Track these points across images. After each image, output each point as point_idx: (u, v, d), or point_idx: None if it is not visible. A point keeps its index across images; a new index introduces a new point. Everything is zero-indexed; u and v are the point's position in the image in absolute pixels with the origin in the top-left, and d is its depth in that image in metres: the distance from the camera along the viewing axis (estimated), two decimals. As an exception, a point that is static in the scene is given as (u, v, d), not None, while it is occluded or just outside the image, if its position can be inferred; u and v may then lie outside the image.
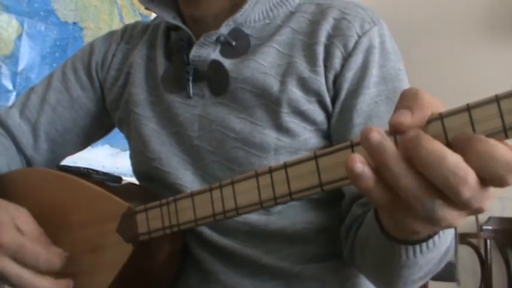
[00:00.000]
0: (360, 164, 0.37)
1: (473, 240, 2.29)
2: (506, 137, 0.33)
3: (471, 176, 0.34)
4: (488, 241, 2.36)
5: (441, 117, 0.36)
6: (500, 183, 0.34)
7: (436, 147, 0.34)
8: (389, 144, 0.36)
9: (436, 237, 0.47)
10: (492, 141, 0.33)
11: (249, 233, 0.69)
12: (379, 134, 0.36)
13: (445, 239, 0.48)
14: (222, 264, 0.69)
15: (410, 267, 0.51)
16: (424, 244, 0.47)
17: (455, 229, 0.47)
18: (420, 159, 0.35)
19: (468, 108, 0.34)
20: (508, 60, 2.55)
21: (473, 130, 0.34)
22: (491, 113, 0.34)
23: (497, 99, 0.33)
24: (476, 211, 0.37)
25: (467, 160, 0.34)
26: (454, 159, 0.34)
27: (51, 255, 0.63)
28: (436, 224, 0.38)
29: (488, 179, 0.34)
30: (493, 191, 0.36)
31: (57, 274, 0.64)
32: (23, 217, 0.65)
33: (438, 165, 0.34)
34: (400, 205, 0.37)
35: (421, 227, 0.39)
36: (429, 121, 0.36)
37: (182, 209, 0.54)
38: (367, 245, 0.59)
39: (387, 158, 0.36)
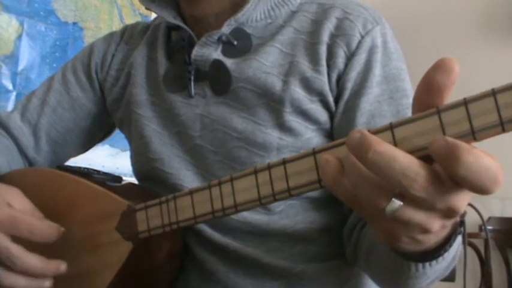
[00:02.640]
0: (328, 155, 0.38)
1: (474, 240, 2.28)
2: (504, 130, 0.33)
3: (419, 182, 0.35)
4: (488, 241, 2.36)
5: (438, 111, 0.36)
6: (483, 193, 0.34)
7: (386, 148, 0.35)
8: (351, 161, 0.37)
9: (446, 253, 0.47)
10: (479, 153, 0.33)
11: (250, 232, 0.69)
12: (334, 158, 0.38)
13: (452, 250, 0.48)
14: (223, 264, 0.69)
15: (418, 278, 0.52)
16: (434, 260, 0.47)
17: (464, 231, 0.47)
18: (369, 162, 0.35)
19: (465, 102, 0.34)
20: (508, 60, 2.55)
21: (470, 124, 0.34)
22: (489, 107, 0.33)
23: (493, 93, 0.33)
24: (449, 212, 0.37)
25: (453, 170, 0.33)
26: (405, 160, 0.35)
27: (45, 226, 0.62)
28: (411, 228, 0.38)
29: (471, 189, 0.34)
30: (466, 193, 0.36)
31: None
32: (14, 195, 0.65)
33: (388, 167, 0.35)
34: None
35: (397, 230, 0.39)
36: (427, 115, 0.36)
37: (181, 207, 0.54)
38: (372, 253, 0.59)
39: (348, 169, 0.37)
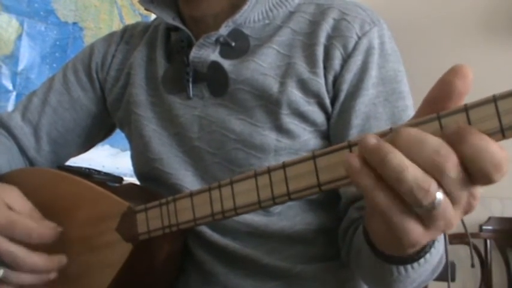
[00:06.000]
0: (357, 159, 0.37)
1: (474, 240, 2.29)
2: (504, 137, 0.33)
3: (452, 160, 0.35)
4: (488, 241, 2.36)
5: (438, 117, 0.36)
6: (486, 179, 0.34)
7: (414, 133, 0.36)
8: (386, 143, 0.37)
9: (428, 255, 0.47)
10: (486, 138, 0.34)
11: (250, 233, 0.69)
12: (374, 138, 0.37)
13: (436, 252, 0.48)
14: (223, 265, 0.69)
15: (402, 281, 0.52)
16: (415, 263, 0.48)
17: (445, 233, 0.47)
18: (400, 147, 0.36)
19: (466, 109, 0.35)
20: (509, 60, 2.55)
21: None
22: (489, 113, 0.34)
23: (494, 99, 0.33)
24: (468, 207, 0.37)
25: (459, 150, 0.34)
26: (434, 142, 0.35)
27: (42, 229, 0.63)
28: (434, 224, 0.37)
29: (475, 173, 0.34)
30: (478, 191, 0.36)
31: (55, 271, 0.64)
32: (13, 194, 0.66)
33: (420, 146, 0.35)
34: (400, 204, 0.37)
35: (418, 231, 0.38)
36: (427, 121, 0.36)
37: (181, 209, 0.54)
38: (360, 256, 0.59)
39: (387, 153, 0.36)
